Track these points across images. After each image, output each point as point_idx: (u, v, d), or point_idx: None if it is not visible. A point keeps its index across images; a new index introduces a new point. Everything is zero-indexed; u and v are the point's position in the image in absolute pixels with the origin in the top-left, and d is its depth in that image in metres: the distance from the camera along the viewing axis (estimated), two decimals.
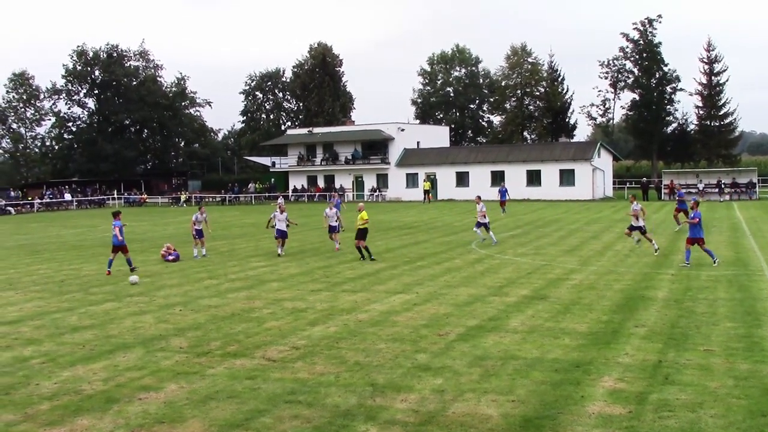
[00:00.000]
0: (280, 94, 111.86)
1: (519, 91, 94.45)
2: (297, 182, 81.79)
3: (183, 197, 78.86)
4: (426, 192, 67.37)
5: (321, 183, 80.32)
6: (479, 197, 30.84)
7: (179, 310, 17.11)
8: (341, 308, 16.72)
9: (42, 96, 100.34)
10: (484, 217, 29.32)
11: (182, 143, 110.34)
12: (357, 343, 13.39)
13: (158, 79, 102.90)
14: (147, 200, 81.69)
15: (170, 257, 26.60)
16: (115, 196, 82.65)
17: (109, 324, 15.72)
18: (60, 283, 22.10)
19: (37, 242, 37.29)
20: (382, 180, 76.89)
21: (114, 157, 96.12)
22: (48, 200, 76.37)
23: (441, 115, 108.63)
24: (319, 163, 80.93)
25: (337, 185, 78.33)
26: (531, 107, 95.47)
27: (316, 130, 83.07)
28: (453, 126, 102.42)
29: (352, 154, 78.44)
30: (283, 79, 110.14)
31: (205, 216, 28.31)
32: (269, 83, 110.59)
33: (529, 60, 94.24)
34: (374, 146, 78.49)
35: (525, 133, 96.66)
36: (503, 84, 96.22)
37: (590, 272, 21.21)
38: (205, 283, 21.41)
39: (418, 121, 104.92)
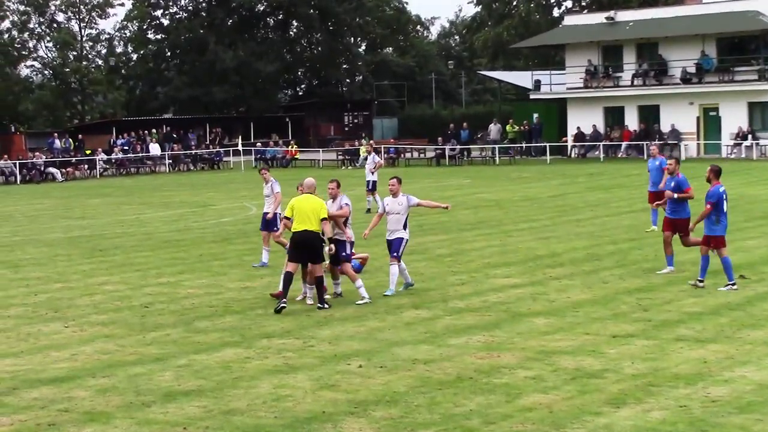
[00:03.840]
0: None
1: None
2: (582, 120, 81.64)
3: (363, 149, 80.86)
4: None
5: (632, 123, 79.72)
6: (370, 144, 38.62)
7: (358, 366, 17.65)
8: (673, 373, 16.62)
9: None
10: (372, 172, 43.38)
11: (362, 46, 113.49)
12: None
13: None
14: (298, 155, 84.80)
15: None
16: (240, 147, 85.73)
17: (231, 389, 16.46)
18: (143, 310, 23.47)
19: (102, 233, 39.82)
20: (760, 113, 75.18)
21: (237, 75, 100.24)
22: (120, 155, 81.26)
23: None
24: (629, 83, 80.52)
25: (664, 127, 77.24)
26: None
27: (622, 16, 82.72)
28: None
29: (697, 64, 77.22)
30: None
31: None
32: None
33: None
34: (742, 47, 77.11)
35: None
36: None
37: None
38: (404, 315, 21.91)
39: None
